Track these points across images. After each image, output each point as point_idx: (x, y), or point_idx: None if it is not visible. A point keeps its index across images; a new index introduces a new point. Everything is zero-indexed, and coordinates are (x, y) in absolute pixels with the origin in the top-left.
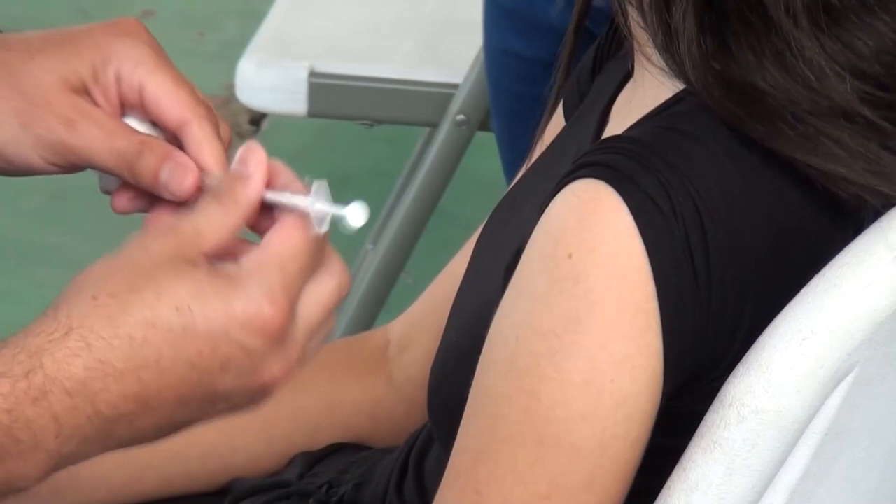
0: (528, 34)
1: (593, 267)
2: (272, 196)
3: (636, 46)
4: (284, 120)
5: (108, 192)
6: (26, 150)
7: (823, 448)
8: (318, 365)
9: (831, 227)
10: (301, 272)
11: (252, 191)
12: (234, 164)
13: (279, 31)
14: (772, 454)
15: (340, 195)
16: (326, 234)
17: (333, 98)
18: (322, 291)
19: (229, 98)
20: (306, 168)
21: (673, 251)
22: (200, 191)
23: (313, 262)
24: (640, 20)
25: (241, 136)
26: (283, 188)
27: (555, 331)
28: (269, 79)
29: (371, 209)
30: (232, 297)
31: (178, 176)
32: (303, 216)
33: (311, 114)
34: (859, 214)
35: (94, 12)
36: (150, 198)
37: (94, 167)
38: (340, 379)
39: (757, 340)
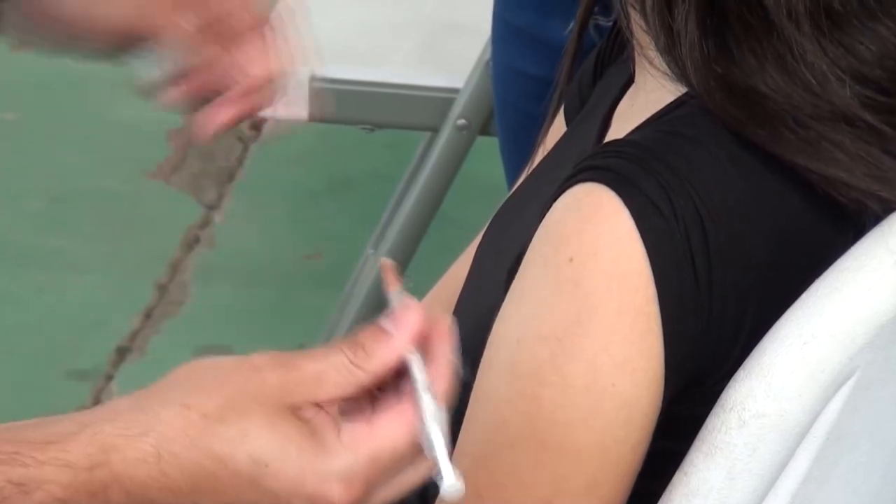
0: (537, 53)
1: (594, 270)
2: (414, 365)
3: (638, 50)
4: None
5: (144, 88)
6: (96, 19)
7: (824, 452)
8: None
9: (832, 231)
10: (392, 469)
11: (387, 355)
12: (387, 318)
13: None
14: (773, 458)
15: (341, 199)
16: None
17: (334, 102)
18: (400, 480)
19: None
20: (307, 172)
21: (674, 254)
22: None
23: (409, 460)
24: (642, 23)
25: (242, 140)
26: (435, 360)
27: (556, 334)
28: None
29: (372, 214)
30: (309, 468)
31: (245, 61)
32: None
33: (312, 118)
34: (860, 219)
35: None
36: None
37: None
38: None
39: (758, 344)
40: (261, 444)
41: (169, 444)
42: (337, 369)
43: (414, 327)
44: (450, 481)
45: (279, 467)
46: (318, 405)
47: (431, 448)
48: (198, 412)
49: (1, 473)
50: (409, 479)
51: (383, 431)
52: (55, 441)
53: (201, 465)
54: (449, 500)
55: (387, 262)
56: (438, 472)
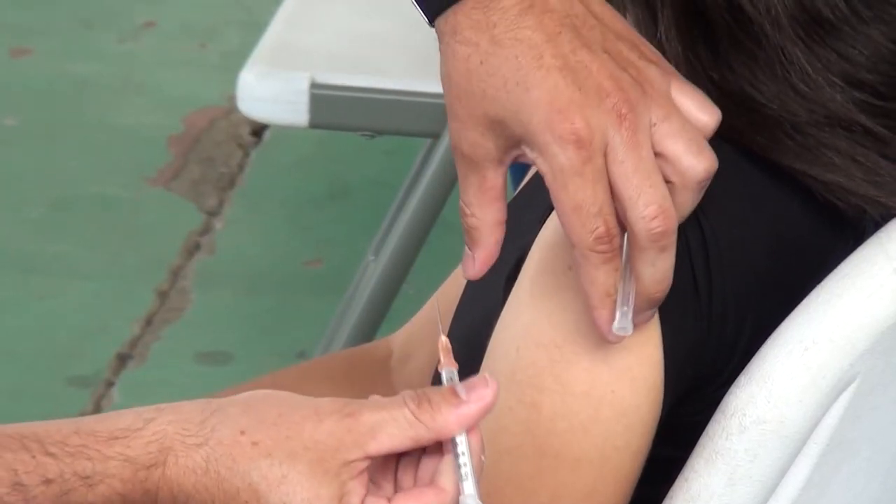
0: None
1: None
2: (460, 443)
3: None
4: (286, 131)
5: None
6: None
7: (825, 458)
8: (320, 377)
9: (832, 237)
10: None
11: (452, 422)
12: (462, 384)
13: (280, 41)
14: (774, 464)
15: (342, 206)
16: None
17: (335, 109)
18: None
19: (230, 109)
20: (308, 179)
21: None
22: None
23: None
24: None
25: (243, 147)
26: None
27: (555, 342)
28: (270, 89)
29: (372, 220)
30: None
31: None
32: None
33: (313, 125)
34: (860, 225)
35: (95, 23)
36: None
37: None
38: (343, 391)
39: (759, 351)
40: (294, 492)
41: (216, 461)
42: (396, 420)
43: (488, 401)
44: None
45: None
46: (369, 458)
47: None
48: (249, 439)
49: (68, 466)
50: None
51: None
52: (120, 437)
53: (238, 492)
54: None
55: (445, 342)
56: None
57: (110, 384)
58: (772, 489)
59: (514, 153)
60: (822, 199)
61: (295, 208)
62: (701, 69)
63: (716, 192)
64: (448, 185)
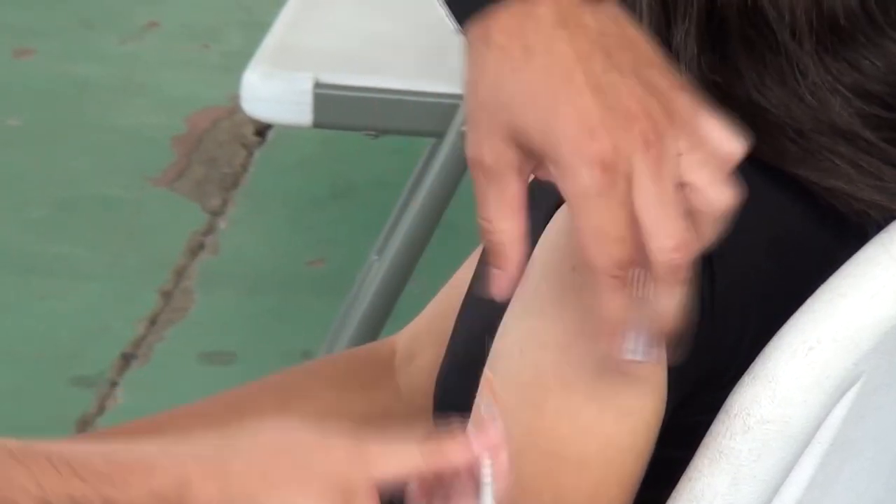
0: None
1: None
2: (485, 469)
3: None
4: (289, 130)
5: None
6: None
7: (829, 458)
8: (324, 377)
9: (834, 238)
10: None
11: (456, 452)
12: (473, 425)
13: (284, 41)
14: (777, 464)
15: (345, 206)
16: None
17: (339, 109)
18: None
19: (233, 109)
20: (311, 179)
21: None
22: None
23: None
24: None
25: (246, 147)
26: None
27: (559, 344)
28: (274, 90)
29: (376, 220)
30: None
31: None
32: None
33: (317, 124)
34: (862, 227)
35: (97, 23)
36: None
37: None
38: (347, 390)
39: (763, 350)
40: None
41: (229, 490)
42: (401, 448)
43: (493, 438)
44: None
45: None
46: (375, 480)
47: None
48: (260, 470)
49: (93, 489)
50: None
51: None
52: (142, 467)
53: None
54: None
55: (489, 376)
56: None
57: (114, 384)
58: (776, 489)
59: (533, 163)
60: (825, 202)
61: (298, 208)
62: (708, 72)
63: None
64: (452, 184)
